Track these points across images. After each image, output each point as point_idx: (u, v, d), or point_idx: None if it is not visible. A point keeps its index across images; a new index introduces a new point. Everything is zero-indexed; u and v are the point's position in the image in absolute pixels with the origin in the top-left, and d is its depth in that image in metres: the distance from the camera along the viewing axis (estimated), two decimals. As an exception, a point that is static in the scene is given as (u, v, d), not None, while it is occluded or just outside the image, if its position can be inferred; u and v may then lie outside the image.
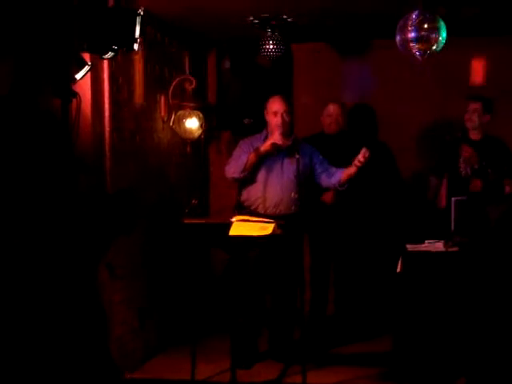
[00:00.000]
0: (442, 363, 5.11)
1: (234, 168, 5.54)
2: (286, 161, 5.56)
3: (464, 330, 5.19)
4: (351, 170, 5.46)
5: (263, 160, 5.53)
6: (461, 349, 5.18)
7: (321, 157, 5.69)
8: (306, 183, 5.64)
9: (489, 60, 6.80)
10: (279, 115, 5.54)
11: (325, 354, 5.88)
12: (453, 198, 5.37)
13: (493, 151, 5.85)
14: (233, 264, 5.18)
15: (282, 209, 5.54)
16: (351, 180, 5.58)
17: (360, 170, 5.42)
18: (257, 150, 5.49)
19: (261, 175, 5.57)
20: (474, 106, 5.87)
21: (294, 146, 5.43)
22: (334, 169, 5.65)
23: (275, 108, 5.58)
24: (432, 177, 6.11)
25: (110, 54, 3.94)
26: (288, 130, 5.56)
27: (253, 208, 5.54)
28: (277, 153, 5.50)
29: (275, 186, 5.55)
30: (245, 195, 5.65)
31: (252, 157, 5.49)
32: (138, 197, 2.73)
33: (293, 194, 5.47)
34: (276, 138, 5.43)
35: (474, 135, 5.94)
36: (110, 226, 1.98)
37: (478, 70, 6.79)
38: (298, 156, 5.28)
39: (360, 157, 5.33)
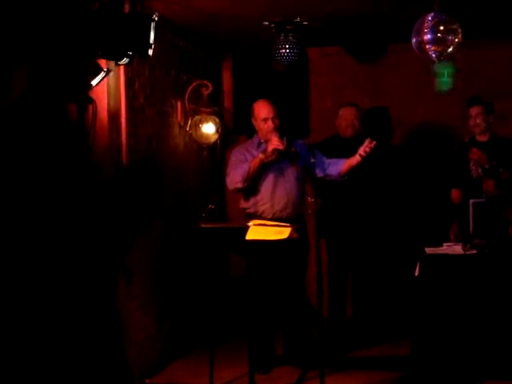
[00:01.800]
0: (461, 367, 5.08)
1: (236, 178, 5.46)
2: (286, 164, 5.52)
3: (484, 333, 5.16)
4: (354, 160, 5.44)
5: (264, 167, 5.48)
6: (480, 353, 5.15)
7: (315, 149, 5.67)
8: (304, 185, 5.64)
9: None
10: (270, 121, 5.47)
11: (343, 358, 5.86)
12: (471, 200, 5.34)
13: (502, 151, 5.82)
14: (250, 268, 5.17)
15: (290, 212, 5.51)
16: (352, 171, 5.54)
17: (364, 162, 5.41)
18: (258, 158, 5.42)
19: (263, 182, 5.53)
20: (476, 110, 5.85)
21: (290, 147, 5.39)
22: (333, 160, 5.62)
23: (264, 115, 5.49)
24: (455, 190, 6.03)
25: (125, 60, 3.95)
26: (279, 133, 5.48)
27: (258, 214, 5.50)
28: (280, 158, 5.43)
29: (280, 191, 5.52)
30: (244, 203, 5.62)
31: (254, 165, 5.42)
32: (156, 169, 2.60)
33: (288, 200, 5.45)
34: (275, 143, 5.32)
35: (482, 137, 5.91)
36: (128, 222, 1.96)
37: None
38: (297, 159, 5.27)
39: (365, 146, 5.31)
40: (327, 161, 5.63)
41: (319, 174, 5.55)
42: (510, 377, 5.07)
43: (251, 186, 5.49)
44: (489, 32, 6.43)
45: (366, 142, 5.33)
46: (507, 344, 5.14)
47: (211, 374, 4.93)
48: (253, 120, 5.60)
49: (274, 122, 5.46)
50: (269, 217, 5.44)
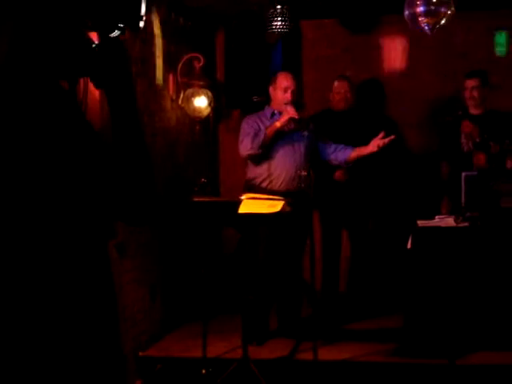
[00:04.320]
0: (452, 339, 5.11)
1: (250, 144, 5.46)
2: (296, 137, 5.53)
3: (475, 305, 5.19)
4: (366, 150, 5.45)
5: (278, 136, 5.50)
6: (472, 324, 5.19)
7: (320, 132, 5.68)
8: (314, 160, 5.64)
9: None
10: (289, 91, 5.52)
11: (336, 330, 5.89)
12: (463, 173, 5.36)
13: (495, 124, 5.82)
14: (243, 242, 5.18)
15: (295, 184, 5.52)
16: (359, 159, 5.57)
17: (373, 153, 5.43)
18: (274, 125, 5.44)
19: (274, 153, 5.55)
20: (473, 82, 5.84)
21: (303, 122, 5.41)
22: (340, 145, 5.64)
23: (286, 84, 5.55)
24: (444, 163, 6.04)
25: (116, 33, 3.91)
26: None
27: (263, 185, 5.53)
28: (296, 126, 5.43)
29: (287, 163, 5.53)
30: (253, 173, 5.63)
31: (270, 132, 5.44)
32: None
33: (301, 171, 5.45)
34: (291, 112, 5.36)
35: (475, 110, 5.91)
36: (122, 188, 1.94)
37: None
38: (305, 133, 5.27)
39: (386, 140, 5.32)
40: (333, 145, 5.65)
41: (323, 157, 5.61)
42: (501, 347, 5.11)
43: (264, 153, 5.49)
44: (479, 4, 6.40)
45: (388, 138, 5.31)
46: (498, 315, 5.18)
47: (204, 347, 4.95)
48: (271, 89, 5.64)
49: (293, 94, 5.50)
50: (274, 189, 5.45)
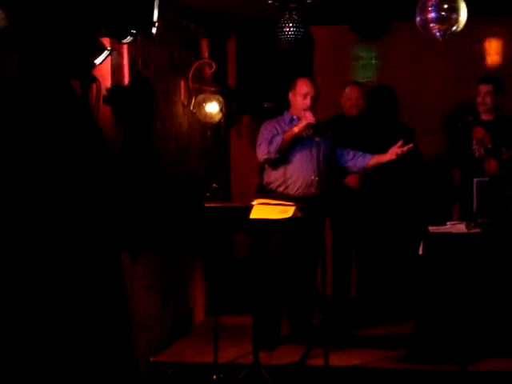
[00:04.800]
0: (463, 345, 5.10)
1: (268, 149, 5.47)
2: (314, 143, 5.53)
3: (486, 311, 5.18)
4: (385, 158, 5.48)
5: (296, 141, 5.50)
6: (483, 331, 5.17)
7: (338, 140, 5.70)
8: (329, 166, 5.64)
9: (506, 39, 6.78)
10: (309, 97, 5.54)
11: (347, 336, 5.88)
12: (475, 179, 5.34)
13: (506, 130, 5.81)
14: (255, 247, 5.18)
15: (312, 190, 5.53)
16: (377, 167, 5.58)
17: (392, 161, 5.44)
18: (292, 130, 5.45)
19: (290, 157, 5.55)
20: (487, 88, 5.82)
21: (321, 128, 5.42)
22: (359, 153, 5.65)
23: (306, 90, 5.56)
24: (455, 169, 6.04)
25: (129, 39, 3.93)
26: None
27: (279, 190, 5.53)
28: (314, 132, 5.40)
29: (304, 169, 5.54)
30: (269, 177, 5.63)
31: (288, 137, 5.45)
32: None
33: (313, 177, 5.46)
34: (309, 118, 5.38)
35: (487, 116, 5.90)
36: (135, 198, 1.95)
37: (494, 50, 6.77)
38: (317, 139, 5.27)
39: (405, 149, 5.33)
40: (351, 152, 5.66)
41: (342, 163, 5.64)
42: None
43: (281, 158, 5.50)
44: (492, 10, 6.38)
45: (408, 146, 5.34)
46: (510, 321, 5.16)
47: (215, 352, 4.95)
48: (291, 94, 5.65)
49: (311, 100, 5.53)
50: (291, 193, 5.46)
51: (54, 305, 2.00)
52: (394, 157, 5.42)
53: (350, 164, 5.67)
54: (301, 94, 5.57)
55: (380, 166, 5.68)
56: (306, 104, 5.53)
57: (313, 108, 5.52)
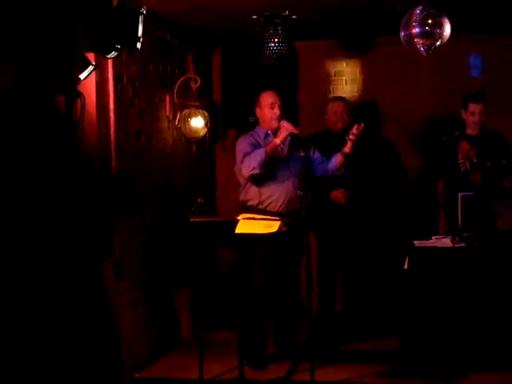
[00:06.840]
0: (449, 360, 5.10)
1: (253, 164, 5.34)
2: (292, 159, 5.53)
3: (472, 326, 5.18)
4: (346, 149, 5.47)
5: (274, 158, 5.43)
6: (468, 346, 5.17)
7: (314, 149, 5.69)
8: (309, 179, 5.65)
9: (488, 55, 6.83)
10: (276, 106, 5.52)
11: (333, 351, 5.86)
12: (459, 194, 5.36)
13: (491, 145, 5.84)
14: (240, 262, 5.17)
15: (296, 204, 5.50)
16: (347, 162, 5.56)
17: (353, 155, 5.46)
18: (274, 142, 5.35)
19: (271, 174, 5.47)
20: (479, 107, 5.84)
21: (298, 141, 5.41)
22: (326, 158, 5.67)
23: (271, 100, 5.54)
24: (440, 182, 6.06)
25: (113, 54, 3.94)
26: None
27: (260, 207, 5.47)
28: (298, 148, 5.43)
29: (285, 185, 5.48)
30: (246, 195, 5.56)
31: (271, 149, 5.34)
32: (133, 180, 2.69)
33: (297, 192, 5.45)
34: (289, 127, 5.32)
35: (472, 131, 5.92)
36: (112, 210, 1.96)
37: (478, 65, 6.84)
38: (302, 153, 5.27)
39: (354, 129, 5.34)
40: (321, 158, 5.67)
41: (317, 173, 5.66)
42: (498, 369, 5.09)
43: (265, 173, 5.41)
44: (476, 26, 6.43)
45: (355, 126, 5.36)
46: (495, 336, 5.17)
47: (201, 368, 4.93)
48: (257, 110, 5.63)
49: (279, 109, 5.52)
50: (274, 210, 5.41)
51: (34, 310, 2.00)
52: (351, 143, 5.41)
53: (323, 169, 5.66)
54: (267, 106, 5.55)
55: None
56: (275, 114, 5.50)
57: (281, 117, 5.48)
